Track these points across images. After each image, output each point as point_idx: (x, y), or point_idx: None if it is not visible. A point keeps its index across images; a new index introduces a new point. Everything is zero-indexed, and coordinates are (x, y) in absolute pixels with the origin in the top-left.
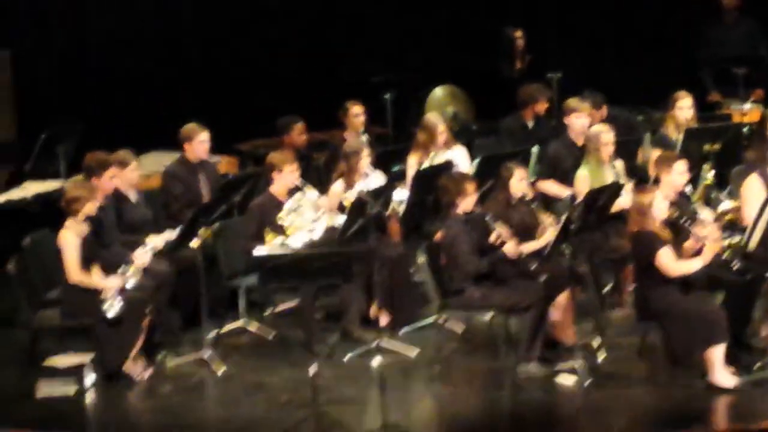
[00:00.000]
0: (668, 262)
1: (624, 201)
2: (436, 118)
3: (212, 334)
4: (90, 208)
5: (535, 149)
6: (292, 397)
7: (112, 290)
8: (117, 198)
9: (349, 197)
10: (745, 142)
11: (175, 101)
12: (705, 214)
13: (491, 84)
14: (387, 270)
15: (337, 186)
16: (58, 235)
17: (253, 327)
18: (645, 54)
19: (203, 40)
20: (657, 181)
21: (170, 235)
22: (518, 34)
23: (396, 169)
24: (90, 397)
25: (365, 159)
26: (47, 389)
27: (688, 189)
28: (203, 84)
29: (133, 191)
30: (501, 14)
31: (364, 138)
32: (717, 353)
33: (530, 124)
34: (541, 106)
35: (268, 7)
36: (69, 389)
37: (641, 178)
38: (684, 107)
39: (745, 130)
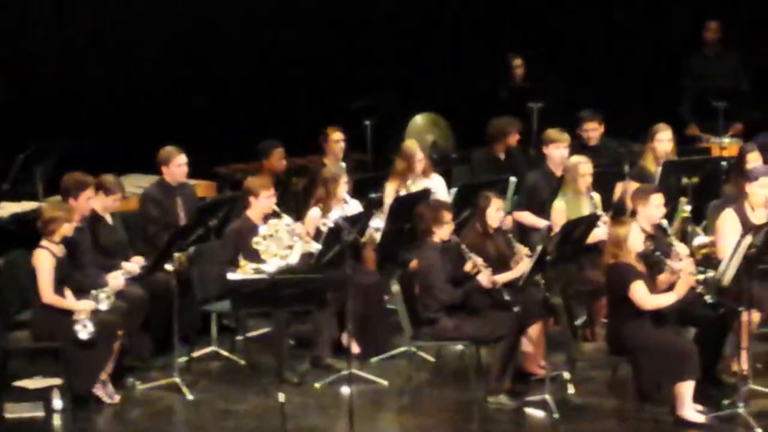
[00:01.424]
0: (642, 295)
1: (600, 233)
2: (414, 146)
3: (183, 359)
4: (66, 229)
5: (513, 179)
6: (261, 425)
7: (85, 312)
8: (93, 220)
9: (326, 223)
10: (724, 177)
11: (154, 124)
12: (680, 247)
13: (475, 110)
14: (360, 298)
15: (314, 212)
16: (32, 255)
17: (225, 353)
18: (625, 85)
19: (184, 62)
20: (634, 213)
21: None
22: (518, 62)
23: (374, 196)
24: (58, 420)
25: (343, 185)
26: (16, 411)
27: (665, 222)
28: (183, 107)
29: (110, 214)
30: (485, 41)
31: (343, 164)
32: (687, 388)
33: (501, 156)
34: (513, 139)
35: (249, 33)
36: (37, 411)
37: (618, 210)
38: (663, 140)
39: (723, 164)
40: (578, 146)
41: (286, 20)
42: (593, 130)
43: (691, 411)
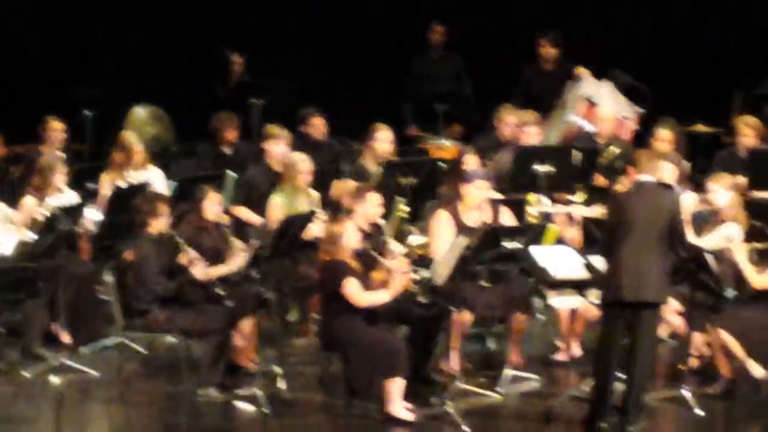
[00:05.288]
0: (355, 292)
1: (317, 229)
2: (133, 138)
3: None
4: None
5: (231, 174)
6: None
7: None
8: None
9: (41, 212)
10: (441, 178)
11: None
12: (396, 246)
13: (197, 105)
14: (73, 287)
15: (30, 200)
16: None
17: None
18: (346, 84)
19: None
20: (351, 211)
21: None
22: (237, 58)
23: (91, 186)
24: None
25: (60, 175)
26: None
27: (382, 221)
28: None
29: None
30: (210, 35)
31: (61, 154)
32: (396, 386)
33: (227, 150)
34: (230, 134)
35: None
36: None
37: (336, 208)
38: (382, 139)
39: (441, 165)
40: (301, 143)
41: (6, 7)
42: (320, 125)
43: (400, 408)
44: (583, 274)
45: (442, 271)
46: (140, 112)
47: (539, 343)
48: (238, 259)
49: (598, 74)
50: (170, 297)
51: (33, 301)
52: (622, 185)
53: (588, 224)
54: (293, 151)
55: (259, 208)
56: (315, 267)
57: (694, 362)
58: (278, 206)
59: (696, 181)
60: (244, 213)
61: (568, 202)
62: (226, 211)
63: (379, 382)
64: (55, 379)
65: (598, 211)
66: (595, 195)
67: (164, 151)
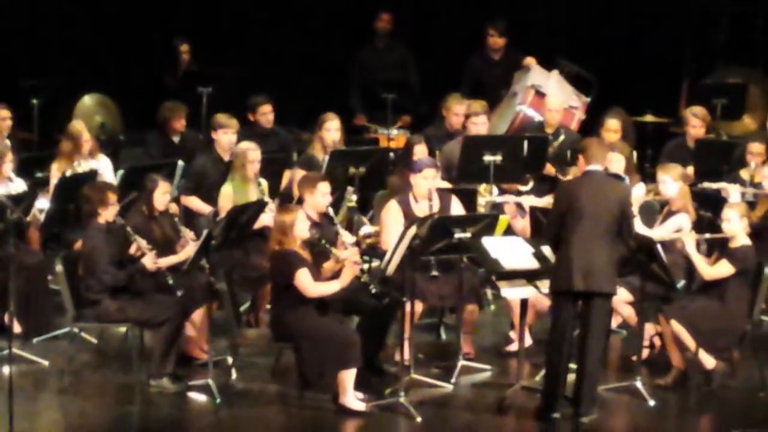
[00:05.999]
0: (306, 282)
1: (267, 219)
2: (81, 126)
3: None
4: None
5: (180, 163)
6: None
7: None
8: None
9: None
10: (390, 168)
11: None
12: (346, 236)
13: (145, 94)
14: (23, 277)
15: None
16: None
17: None
18: (295, 73)
19: None
20: (300, 201)
21: None
22: (184, 48)
23: (39, 175)
24: None
25: (8, 163)
26: None
27: (331, 210)
28: None
29: None
30: (158, 24)
31: (8, 142)
32: (349, 376)
33: (175, 139)
34: (178, 123)
35: None
36: None
37: (285, 198)
38: (331, 129)
39: (390, 155)
40: (249, 132)
41: None
42: (269, 113)
43: (352, 399)
44: (533, 265)
45: (392, 261)
46: (87, 101)
47: (491, 333)
48: (188, 248)
49: (545, 63)
50: (121, 287)
51: None
52: (571, 175)
53: (536, 214)
54: (242, 140)
55: (209, 197)
56: (266, 256)
57: (645, 353)
58: (229, 196)
59: (645, 171)
60: (194, 202)
61: (517, 192)
62: (176, 201)
63: (331, 373)
64: (5, 369)
65: (548, 201)
66: (545, 184)
67: (112, 139)
